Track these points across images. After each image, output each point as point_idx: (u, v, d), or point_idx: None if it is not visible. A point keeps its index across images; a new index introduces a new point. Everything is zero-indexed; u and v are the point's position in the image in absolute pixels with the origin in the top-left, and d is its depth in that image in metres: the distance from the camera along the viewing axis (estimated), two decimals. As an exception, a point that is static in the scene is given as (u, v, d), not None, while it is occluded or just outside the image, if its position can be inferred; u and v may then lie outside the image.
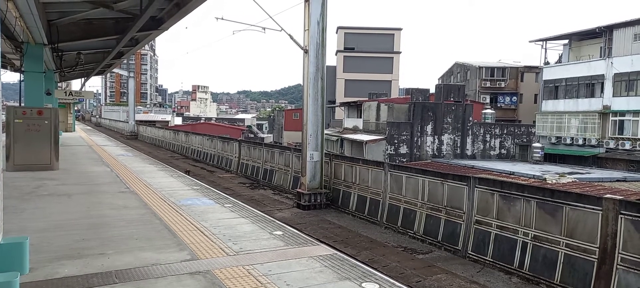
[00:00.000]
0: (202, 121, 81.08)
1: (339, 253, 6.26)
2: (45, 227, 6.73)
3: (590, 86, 34.32)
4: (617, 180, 20.13)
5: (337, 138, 35.73)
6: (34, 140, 12.54)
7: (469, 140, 30.50)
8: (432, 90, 33.44)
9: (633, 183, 19.34)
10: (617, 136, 31.81)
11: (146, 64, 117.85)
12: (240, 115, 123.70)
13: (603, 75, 32.93)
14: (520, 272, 7.84)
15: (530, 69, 48.67)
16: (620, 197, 7.15)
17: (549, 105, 37.52)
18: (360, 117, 36.62)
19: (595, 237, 6.94)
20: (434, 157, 29.32)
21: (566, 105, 35.91)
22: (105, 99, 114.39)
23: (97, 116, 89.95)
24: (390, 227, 11.05)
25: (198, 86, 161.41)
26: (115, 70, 42.51)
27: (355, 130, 36.38)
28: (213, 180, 18.26)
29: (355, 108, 39.59)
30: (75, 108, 68.62)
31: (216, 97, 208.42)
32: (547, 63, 41.05)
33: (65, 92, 29.83)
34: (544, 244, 7.62)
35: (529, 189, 8.17)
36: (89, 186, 10.57)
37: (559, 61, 41.44)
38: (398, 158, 28.31)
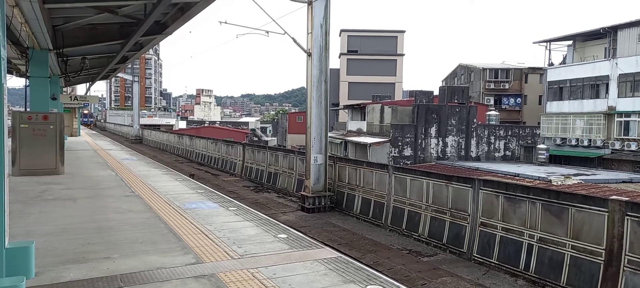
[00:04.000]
0: (206, 125, 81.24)
1: (343, 256, 6.25)
2: (51, 231, 6.76)
3: (595, 87, 34.14)
4: (623, 182, 20.00)
5: (341, 141, 35.72)
6: (40, 145, 12.61)
7: (473, 142, 30.41)
8: (436, 92, 33.39)
9: (639, 184, 19.20)
10: (622, 137, 31.61)
11: (150, 68, 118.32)
12: (244, 119, 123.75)
13: (608, 76, 32.75)
14: (526, 274, 7.80)
15: (534, 70, 48.50)
16: (627, 199, 7.11)
17: (553, 106, 37.35)
18: (364, 120, 36.59)
19: (601, 239, 6.89)
20: (438, 159, 29.24)
21: (571, 106, 35.73)
22: (110, 104, 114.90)
23: (102, 120, 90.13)
24: (394, 229, 11.02)
25: (202, 90, 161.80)
26: (119, 74, 42.71)
27: (359, 132, 36.35)
28: (217, 183, 18.29)
29: (358, 111, 39.58)
30: (84, 112, 68.11)
31: (220, 101, 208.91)
32: (551, 64, 40.90)
33: (71, 96, 30.00)
34: (550, 246, 7.58)
35: (534, 191, 8.13)
36: (94, 190, 10.61)
37: (563, 62, 41.27)
38: (402, 161, 28.26)
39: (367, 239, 10.38)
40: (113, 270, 5.16)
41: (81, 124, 58.64)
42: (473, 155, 30.36)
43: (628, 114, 31.49)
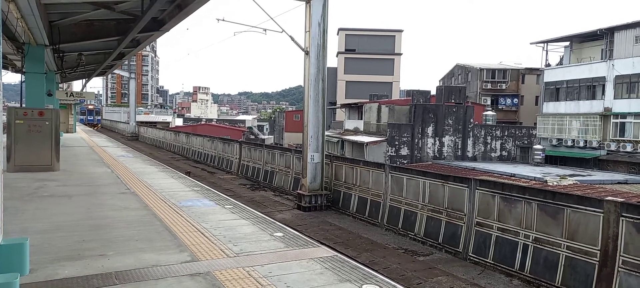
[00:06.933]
0: (203, 122, 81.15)
1: (339, 255, 6.25)
2: (46, 228, 6.72)
3: (591, 88, 34.29)
4: (619, 183, 20.10)
5: (337, 139, 35.73)
6: (35, 141, 12.54)
7: (469, 142, 30.47)
8: (433, 92, 33.44)
9: (634, 185, 19.30)
10: (618, 138, 31.77)
11: (147, 65, 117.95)
12: (241, 117, 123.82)
13: (604, 77, 32.90)
14: (521, 274, 7.83)
15: (531, 70, 48.66)
16: (622, 200, 7.13)
17: (550, 107, 37.49)
18: (361, 119, 36.62)
19: (596, 240, 6.92)
20: (434, 158, 29.29)
21: (567, 107, 35.87)
22: (106, 100, 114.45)
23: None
24: (391, 228, 11.03)
25: (199, 87, 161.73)
26: (116, 71, 42.56)
27: (356, 131, 36.37)
28: (213, 181, 18.26)
29: (356, 109, 39.59)
30: (89, 107, 62.93)
31: (217, 99, 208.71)
32: (548, 65, 41.05)
33: (67, 93, 29.85)
34: (545, 246, 7.60)
35: (530, 191, 8.15)
36: (90, 187, 10.57)
37: (560, 63, 41.43)
38: (399, 160, 28.30)
39: (363, 238, 10.39)
40: (108, 268, 5.14)
41: (84, 124, 57.59)
42: (469, 155, 30.43)
43: (624, 115, 31.64)
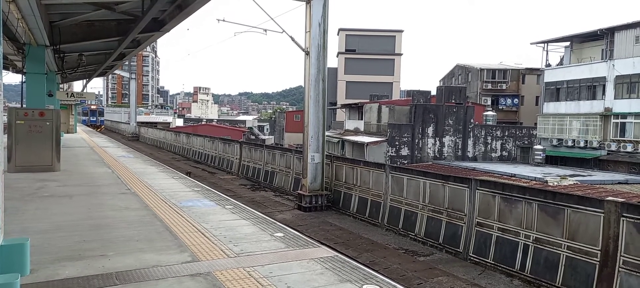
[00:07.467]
0: (203, 123, 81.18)
1: (340, 255, 6.25)
2: (47, 228, 6.73)
3: (591, 88, 34.26)
4: (619, 183, 20.08)
5: (338, 140, 35.73)
6: (36, 142, 12.55)
7: (470, 142, 30.46)
8: (434, 92, 33.43)
9: (635, 185, 19.28)
10: (618, 138, 31.74)
11: (148, 66, 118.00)
12: (242, 117, 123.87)
13: (605, 77, 32.88)
14: (521, 274, 7.83)
15: (531, 70, 48.64)
16: (622, 200, 7.13)
17: (550, 107, 37.47)
18: (362, 119, 36.61)
19: (597, 240, 6.92)
20: (435, 159, 29.28)
21: (568, 107, 35.85)
22: (107, 101, 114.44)
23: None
24: (391, 229, 11.03)
25: (199, 88, 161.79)
26: (117, 71, 42.60)
27: (356, 132, 36.37)
28: (214, 181, 18.26)
29: (356, 110, 39.59)
30: (92, 107, 60.96)
31: (217, 99, 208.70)
32: (548, 65, 41.01)
33: (67, 93, 29.84)
34: (546, 246, 7.60)
35: (531, 191, 8.15)
36: (90, 187, 10.57)
37: (561, 63, 41.40)
38: (399, 160, 28.29)
39: (364, 238, 10.39)
40: (109, 268, 5.14)
41: (86, 125, 57.15)
42: (470, 155, 30.42)
43: (624, 115, 31.62)
